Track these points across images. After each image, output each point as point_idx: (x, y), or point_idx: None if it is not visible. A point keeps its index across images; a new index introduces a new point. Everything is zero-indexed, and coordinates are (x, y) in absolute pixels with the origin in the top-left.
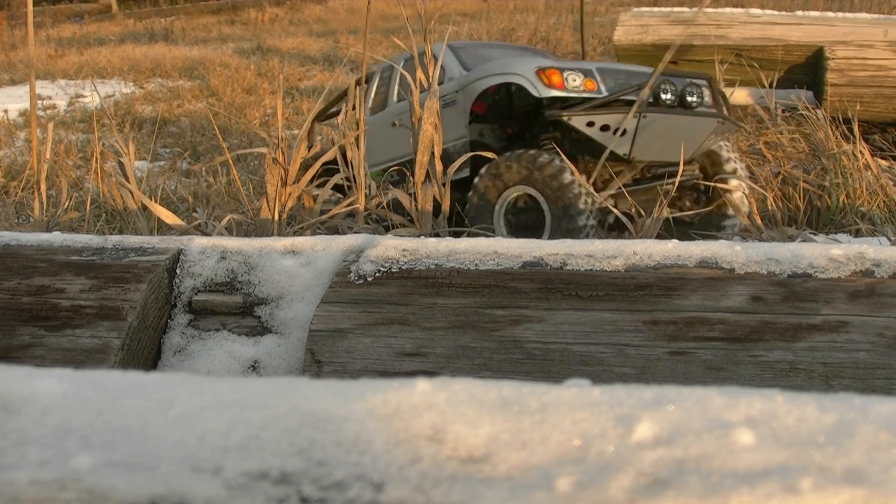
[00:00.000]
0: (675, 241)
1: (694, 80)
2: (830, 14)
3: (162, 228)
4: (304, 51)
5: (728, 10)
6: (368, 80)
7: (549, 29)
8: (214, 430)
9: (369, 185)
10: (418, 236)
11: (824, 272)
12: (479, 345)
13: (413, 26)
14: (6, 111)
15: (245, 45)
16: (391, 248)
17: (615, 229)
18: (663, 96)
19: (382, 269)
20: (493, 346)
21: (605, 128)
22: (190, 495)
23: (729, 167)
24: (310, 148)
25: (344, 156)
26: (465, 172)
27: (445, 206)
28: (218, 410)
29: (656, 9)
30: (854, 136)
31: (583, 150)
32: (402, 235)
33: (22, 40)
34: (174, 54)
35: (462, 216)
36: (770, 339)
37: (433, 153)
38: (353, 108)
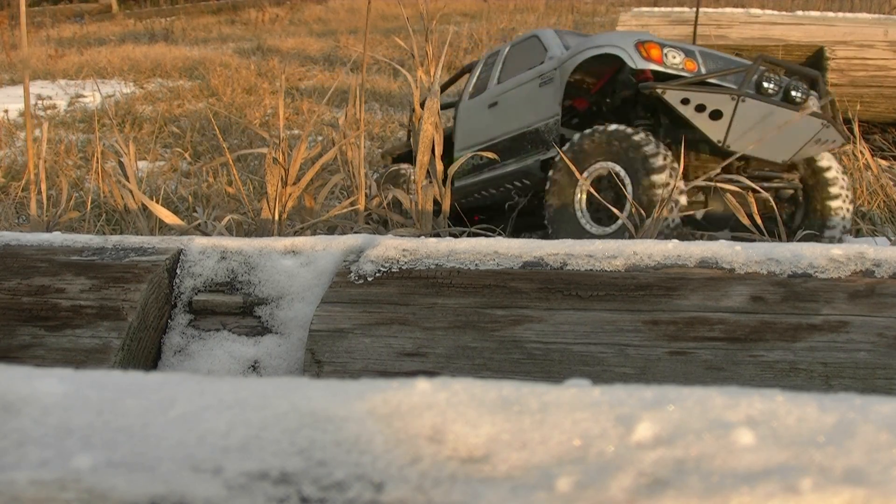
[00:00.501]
0: (675, 241)
1: (802, 76)
2: (831, 14)
3: (162, 228)
4: (305, 51)
5: (728, 10)
6: (473, 68)
7: None
8: (215, 430)
9: (369, 186)
10: (418, 236)
11: (824, 272)
12: (479, 345)
13: (413, 26)
14: (6, 111)
15: (245, 45)
16: (391, 247)
17: (698, 227)
18: (766, 85)
19: (383, 269)
20: (494, 346)
21: (700, 108)
22: (190, 495)
23: (834, 190)
24: (409, 135)
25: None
26: (555, 152)
27: (446, 205)
28: (218, 410)
29: (656, 9)
30: (854, 136)
31: (674, 137)
32: (402, 235)
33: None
34: (174, 54)
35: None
36: (770, 339)
37: (433, 153)
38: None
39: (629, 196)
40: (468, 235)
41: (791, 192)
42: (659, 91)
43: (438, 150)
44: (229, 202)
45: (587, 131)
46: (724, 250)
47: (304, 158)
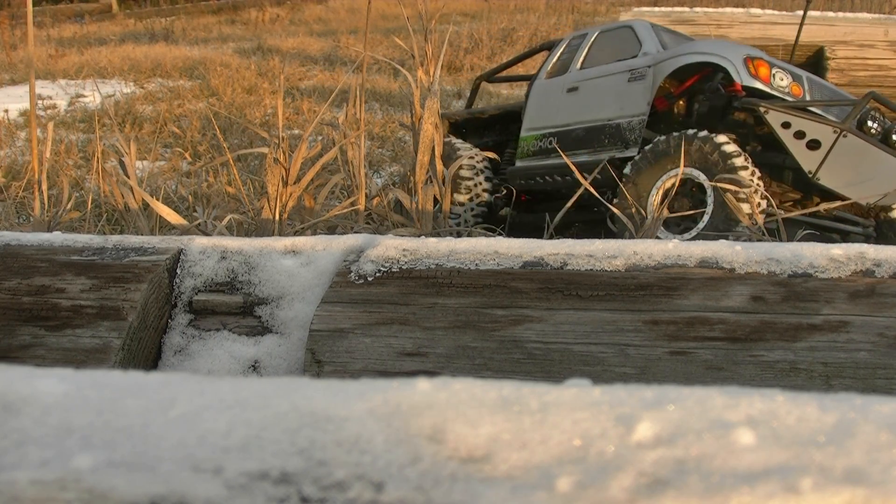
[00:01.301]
0: (676, 241)
1: None
2: (831, 14)
3: (163, 228)
4: (305, 51)
5: (729, 9)
6: (553, 47)
7: (550, 29)
8: (215, 429)
9: (370, 185)
10: (419, 236)
11: (825, 272)
12: (479, 345)
13: (414, 26)
14: (7, 111)
15: (245, 45)
16: (391, 247)
17: None
18: (869, 123)
19: (383, 268)
20: (494, 346)
21: (799, 134)
22: (190, 495)
23: None
24: (470, 104)
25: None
26: (634, 152)
27: (446, 205)
28: (218, 410)
29: (657, 8)
30: None
31: (760, 158)
32: (402, 235)
33: (22, 40)
34: (175, 54)
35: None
36: (770, 338)
37: (434, 153)
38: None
39: (709, 206)
40: (468, 236)
41: (863, 239)
42: (762, 110)
43: (438, 150)
44: (229, 202)
45: (675, 134)
46: (724, 250)
47: (304, 158)
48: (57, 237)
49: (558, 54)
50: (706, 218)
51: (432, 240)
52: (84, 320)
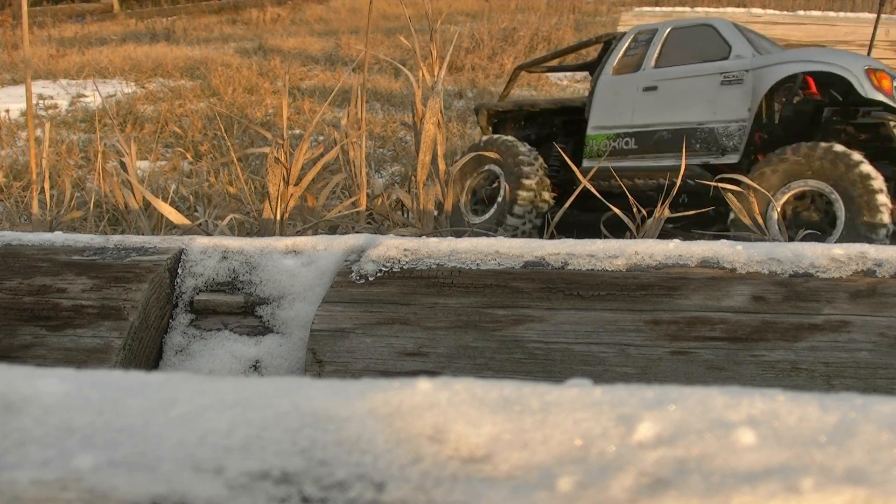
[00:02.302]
0: (677, 240)
1: None
2: (832, 14)
3: (164, 228)
4: (306, 50)
5: (729, 9)
6: (614, 42)
7: (551, 29)
8: (216, 429)
9: (371, 185)
10: (420, 236)
11: (826, 272)
12: (480, 344)
13: (416, 26)
14: (8, 111)
15: (246, 45)
16: (392, 247)
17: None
18: None
19: (384, 268)
20: (495, 346)
21: None
22: (191, 495)
23: None
24: (506, 94)
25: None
26: (734, 159)
27: (448, 205)
28: (219, 410)
29: (657, 8)
30: None
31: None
32: (403, 235)
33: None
34: (176, 54)
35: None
36: (771, 338)
37: (436, 152)
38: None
39: (841, 220)
40: (469, 236)
41: None
42: (893, 124)
43: (441, 150)
44: (231, 202)
45: (807, 145)
46: (725, 250)
47: (305, 158)
48: (58, 237)
49: (623, 49)
50: (837, 233)
51: (433, 239)
52: (85, 320)
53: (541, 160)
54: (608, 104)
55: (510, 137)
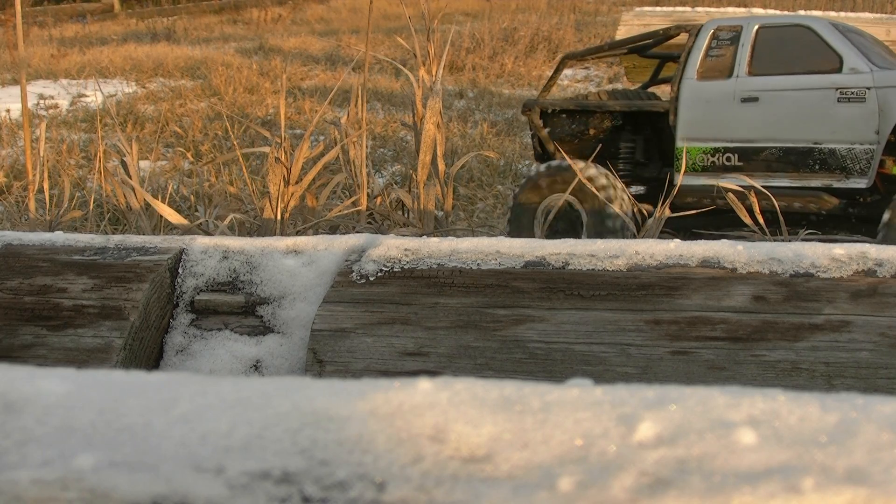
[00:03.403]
0: (678, 240)
1: None
2: (833, 13)
3: (164, 228)
4: (307, 50)
5: (731, 9)
6: (691, 39)
7: (552, 28)
8: (216, 429)
9: (371, 185)
10: (420, 236)
11: (826, 272)
12: (481, 344)
13: (416, 26)
14: (9, 111)
15: (247, 45)
16: (393, 247)
17: None
18: None
19: (384, 268)
20: (496, 346)
21: None
22: (192, 495)
23: None
24: (550, 86)
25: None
26: (862, 183)
27: (448, 205)
28: (220, 410)
29: (658, 8)
30: None
31: None
32: (404, 235)
33: (24, 40)
34: (176, 54)
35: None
36: (772, 338)
37: (436, 153)
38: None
39: None
40: (470, 235)
41: None
42: None
43: (441, 150)
44: (231, 202)
45: None
46: (726, 250)
47: (306, 158)
48: (59, 237)
49: (703, 49)
50: None
51: (434, 239)
52: (86, 320)
53: (616, 182)
54: (699, 113)
55: (572, 164)
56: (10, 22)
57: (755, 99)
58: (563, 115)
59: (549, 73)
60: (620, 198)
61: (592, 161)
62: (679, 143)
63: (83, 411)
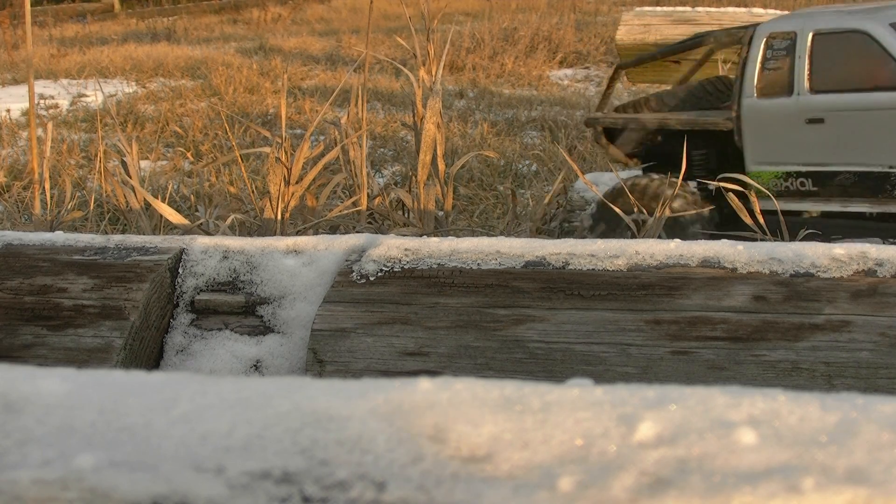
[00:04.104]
0: (678, 240)
1: None
2: None
3: (165, 228)
4: (307, 50)
5: (731, 9)
6: (743, 47)
7: (552, 28)
8: (217, 429)
9: (371, 185)
10: (421, 236)
11: (827, 271)
12: (481, 344)
13: (416, 25)
14: (9, 111)
15: (247, 45)
16: (393, 247)
17: None
18: None
19: (385, 268)
20: (496, 346)
21: None
22: (192, 495)
23: None
24: (607, 96)
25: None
26: None
27: (448, 205)
28: (220, 410)
29: (659, 8)
30: None
31: None
32: (404, 235)
33: (24, 39)
34: (176, 54)
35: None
36: (772, 338)
37: (436, 153)
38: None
39: None
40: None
41: None
42: None
43: (441, 150)
44: (232, 202)
45: None
46: (726, 250)
47: (306, 158)
48: (59, 237)
49: (759, 61)
50: None
51: (434, 239)
52: (86, 320)
53: (695, 198)
54: (764, 135)
55: (642, 179)
56: (7, 22)
57: (821, 120)
58: (632, 133)
59: (549, 72)
60: (697, 218)
61: (664, 168)
62: (750, 167)
63: (83, 411)
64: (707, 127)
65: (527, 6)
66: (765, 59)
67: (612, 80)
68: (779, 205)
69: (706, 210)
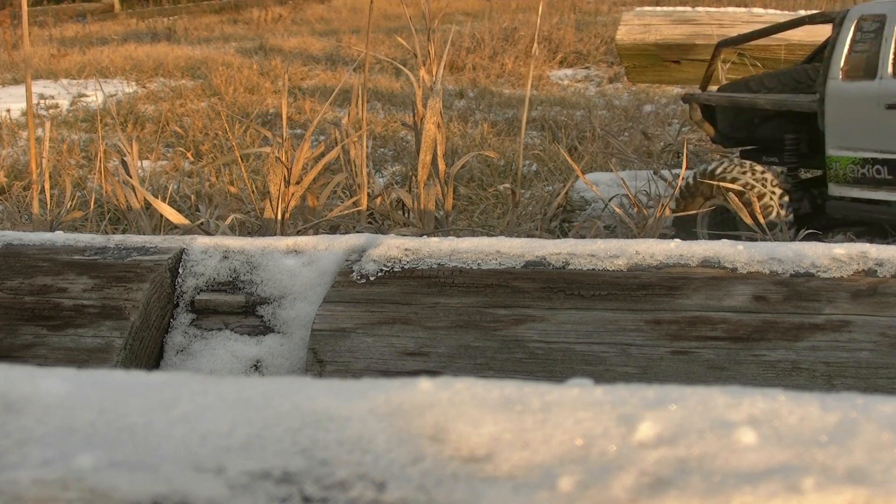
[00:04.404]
0: (678, 240)
1: None
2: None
3: (165, 228)
4: (307, 50)
5: (731, 9)
6: (836, 27)
7: (552, 28)
8: (217, 429)
9: (372, 185)
10: (421, 235)
11: (827, 271)
12: (481, 344)
13: (416, 25)
14: (9, 111)
15: (248, 45)
16: (393, 247)
17: None
18: None
19: (385, 268)
20: (496, 346)
21: None
22: (192, 495)
23: None
24: (709, 76)
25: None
26: None
27: (448, 205)
28: (220, 410)
29: (659, 8)
30: None
31: None
32: (404, 235)
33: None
34: (177, 54)
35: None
36: (772, 338)
37: (436, 152)
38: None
39: None
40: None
41: None
42: None
43: (441, 150)
44: (232, 201)
45: None
46: (726, 250)
47: (306, 158)
48: (59, 237)
49: (847, 43)
50: None
51: (434, 239)
52: (86, 320)
53: (776, 189)
54: (844, 119)
55: (719, 166)
56: (7, 22)
57: None
58: (727, 112)
59: (549, 72)
60: (776, 207)
61: (755, 152)
62: (829, 151)
63: (83, 411)
64: (794, 108)
65: (527, 6)
66: (854, 43)
67: (714, 57)
68: (853, 192)
69: (706, 209)
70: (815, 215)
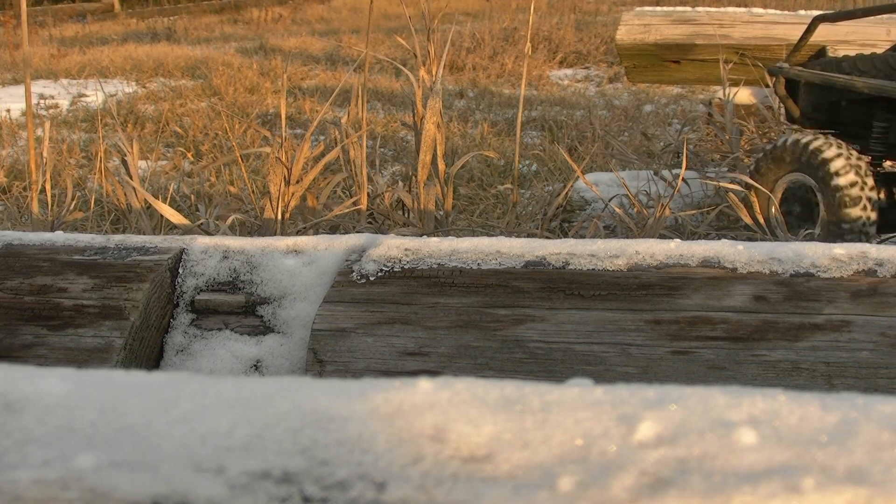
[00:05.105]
0: (678, 240)
1: None
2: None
3: (165, 228)
4: (307, 50)
5: (731, 9)
6: None
7: (552, 28)
8: (217, 429)
9: (372, 185)
10: (421, 235)
11: (827, 271)
12: (481, 344)
13: (416, 26)
14: (9, 110)
15: (248, 45)
16: (393, 247)
17: None
18: None
19: (385, 268)
20: (496, 346)
21: None
22: (192, 495)
23: None
24: (800, 46)
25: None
26: None
27: (448, 205)
28: (220, 410)
29: (659, 8)
30: None
31: None
32: (404, 235)
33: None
34: (177, 54)
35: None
36: (772, 338)
37: (436, 153)
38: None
39: None
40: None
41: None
42: None
43: (441, 150)
44: (232, 201)
45: None
46: (726, 249)
47: (306, 158)
48: (59, 237)
49: None
50: None
51: (434, 239)
52: (86, 320)
53: (859, 161)
54: None
55: (815, 141)
56: (10, 23)
57: None
58: (813, 89)
59: (549, 72)
60: (866, 198)
61: (842, 139)
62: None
63: (83, 411)
64: (892, 95)
65: (527, 6)
66: None
67: (808, 31)
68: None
69: (713, 211)
70: (888, 211)
